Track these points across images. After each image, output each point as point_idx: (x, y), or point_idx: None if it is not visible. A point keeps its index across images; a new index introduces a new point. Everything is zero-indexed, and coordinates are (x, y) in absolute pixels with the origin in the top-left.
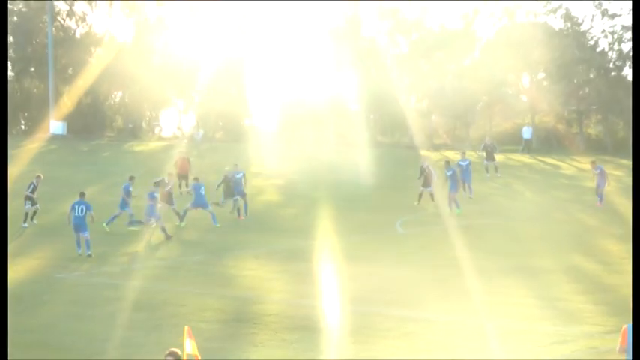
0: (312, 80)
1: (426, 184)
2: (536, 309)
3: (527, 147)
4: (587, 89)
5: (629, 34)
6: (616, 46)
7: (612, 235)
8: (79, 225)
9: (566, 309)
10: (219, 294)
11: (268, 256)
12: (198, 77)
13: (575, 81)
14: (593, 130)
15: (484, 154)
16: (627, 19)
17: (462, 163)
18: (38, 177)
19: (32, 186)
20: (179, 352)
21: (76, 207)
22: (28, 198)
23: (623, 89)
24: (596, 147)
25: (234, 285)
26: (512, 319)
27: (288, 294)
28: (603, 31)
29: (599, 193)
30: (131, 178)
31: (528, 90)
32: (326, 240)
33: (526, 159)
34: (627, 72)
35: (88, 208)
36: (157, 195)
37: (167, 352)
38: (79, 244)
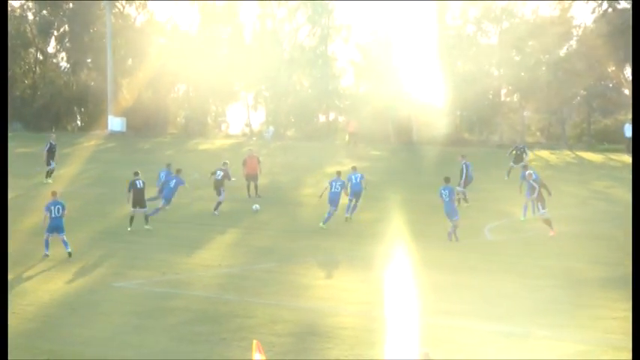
0: (395, 73)
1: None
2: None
3: (628, 145)
4: None
5: None
6: None
7: None
8: (58, 226)
9: None
10: (290, 305)
11: (345, 264)
12: (268, 70)
13: None
14: None
15: (513, 155)
16: None
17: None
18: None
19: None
20: None
21: (52, 207)
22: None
23: None
24: None
25: (307, 295)
26: (614, 334)
27: (365, 306)
28: None
29: None
30: (168, 165)
31: (631, 83)
32: (407, 247)
33: (628, 159)
34: None
35: (63, 207)
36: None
37: None
38: (47, 246)
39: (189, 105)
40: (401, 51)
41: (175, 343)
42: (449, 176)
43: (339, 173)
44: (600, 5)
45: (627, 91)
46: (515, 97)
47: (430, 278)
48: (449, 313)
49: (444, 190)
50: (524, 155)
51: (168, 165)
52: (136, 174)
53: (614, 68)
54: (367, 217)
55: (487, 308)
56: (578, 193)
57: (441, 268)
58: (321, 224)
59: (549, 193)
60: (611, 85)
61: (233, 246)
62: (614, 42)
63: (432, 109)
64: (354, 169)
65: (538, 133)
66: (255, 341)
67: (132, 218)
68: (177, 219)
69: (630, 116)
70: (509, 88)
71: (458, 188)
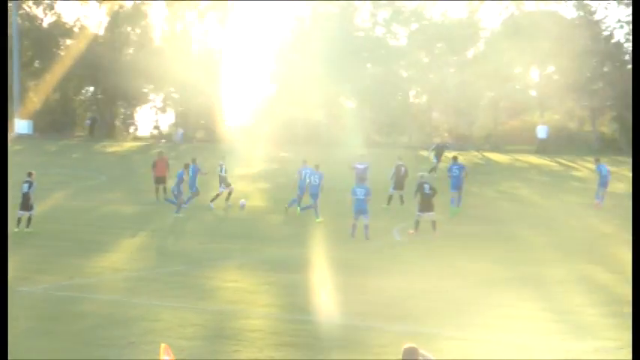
0: (301, 75)
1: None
2: (546, 322)
3: (543, 147)
4: (600, 84)
5: None
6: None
7: (628, 242)
8: None
9: (578, 322)
10: (199, 308)
11: (254, 267)
12: (177, 72)
13: (588, 75)
14: (607, 128)
15: (433, 153)
16: None
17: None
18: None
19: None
20: None
21: None
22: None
23: None
24: (610, 146)
25: (216, 298)
26: (520, 333)
27: (274, 308)
28: (619, 20)
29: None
30: (186, 166)
31: (537, 85)
32: (316, 249)
33: (534, 160)
34: None
35: None
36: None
37: None
38: None
39: (97, 107)
40: (311, 53)
41: (83, 348)
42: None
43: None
44: (507, 8)
45: (534, 93)
46: (424, 99)
47: (339, 280)
48: (358, 314)
49: (359, 188)
50: (444, 152)
51: (194, 160)
52: (29, 175)
53: (520, 70)
54: (276, 219)
55: (396, 309)
56: (485, 194)
57: (350, 269)
58: (317, 220)
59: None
60: (518, 87)
61: (142, 249)
62: (521, 44)
63: (342, 111)
64: (317, 167)
65: (446, 134)
66: (163, 345)
67: (19, 220)
68: (86, 222)
69: (544, 117)
70: (418, 89)
71: (390, 189)
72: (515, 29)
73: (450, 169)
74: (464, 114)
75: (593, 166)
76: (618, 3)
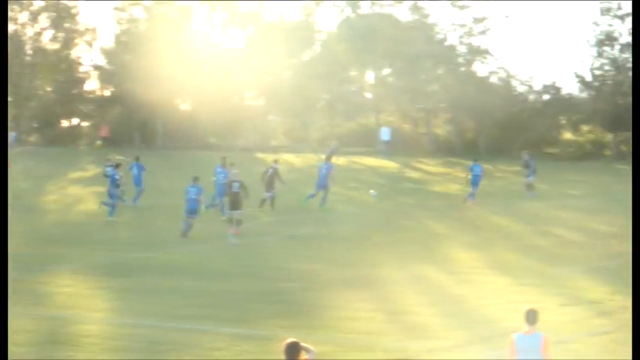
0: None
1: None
2: (380, 323)
3: (386, 149)
4: (435, 86)
5: (479, 27)
6: (466, 40)
7: (461, 243)
8: None
9: (412, 323)
10: (32, 314)
11: (89, 272)
12: (9, 74)
13: (422, 77)
14: (441, 129)
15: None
16: (477, 11)
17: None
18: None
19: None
20: None
21: None
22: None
23: (473, 86)
24: (444, 148)
25: (49, 304)
26: (356, 334)
27: (109, 313)
28: (453, 23)
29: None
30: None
31: (373, 87)
32: (153, 252)
33: (370, 162)
34: (477, 67)
35: None
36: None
37: None
38: None
39: None
40: (146, 55)
41: None
42: (198, 176)
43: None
44: (343, 10)
45: (370, 95)
46: (261, 101)
47: (173, 283)
48: (193, 317)
49: (192, 188)
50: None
51: (137, 158)
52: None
53: (356, 72)
54: (112, 223)
55: (231, 311)
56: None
57: (185, 272)
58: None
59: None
60: (353, 89)
61: None
62: (357, 46)
63: (178, 114)
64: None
65: (283, 137)
66: None
67: None
68: None
69: (379, 120)
70: (255, 92)
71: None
72: (351, 32)
73: (320, 169)
74: (300, 116)
75: (429, 168)
76: (452, 5)
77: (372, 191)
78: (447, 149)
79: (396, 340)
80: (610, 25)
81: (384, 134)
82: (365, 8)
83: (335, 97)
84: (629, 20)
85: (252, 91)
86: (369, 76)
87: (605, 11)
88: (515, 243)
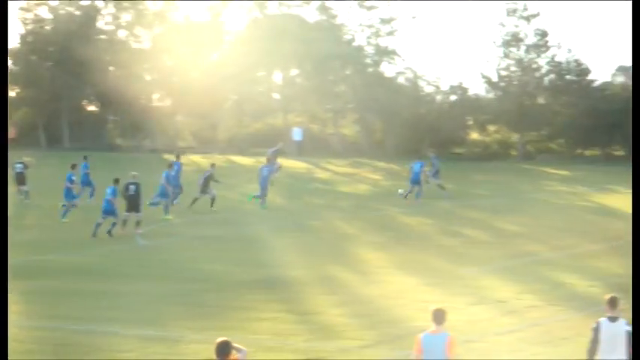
0: (41, 78)
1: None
2: (289, 324)
3: (299, 149)
4: (343, 87)
5: (387, 28)
6: (373, 41)
7: (370, 244)
8: None
9: (321, 323)
10: None
11: None
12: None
13: (330, 78)
14: (349, 130)
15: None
16: (385, 12)
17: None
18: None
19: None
20: None
21: None
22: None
23: (381, 86)
24: (352, 148)
25: None
26: (264, 335)
27: (16, 315)
28: (360, 24)
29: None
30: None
31: (281, 87)
32: (61, 254)
33: (279, 162)
34: (385, 68)
35: None
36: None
37: None
38: None
39: None
40: (51, 56)
41: None
42: (118, 177)
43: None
44: (251, 11)
45: (277, 96)
46: (168, 102)
47: (81, 285)
48: (101, 319)
49: (108, 188)
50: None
51: (85, 157)
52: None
53: (264, 73)
54: (19, 224)
55: (140, 314)
56: (228, 197)
57: (94, 274)
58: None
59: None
60: (261, 90)
61: None
62: (265, 47)
63: (84, 115)
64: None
65: (190, 138)
66: None
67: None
68: None
69: (287, 120)
70: (162, 93)
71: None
72: (258, 32)
73: (260, 169)
74: (208, 117)
75: (337, 169)
76: (360, 6)
77: (400, 190)
78: (355, 150)
79: (305, 341)
80: (516, 26)
81: (296, 134)
82: (272, 9)
83: (243, 97)
84: (534, 21)
85: (159, 92)
86: (277, 77)
87: (511, 12)
88: (423, 243)
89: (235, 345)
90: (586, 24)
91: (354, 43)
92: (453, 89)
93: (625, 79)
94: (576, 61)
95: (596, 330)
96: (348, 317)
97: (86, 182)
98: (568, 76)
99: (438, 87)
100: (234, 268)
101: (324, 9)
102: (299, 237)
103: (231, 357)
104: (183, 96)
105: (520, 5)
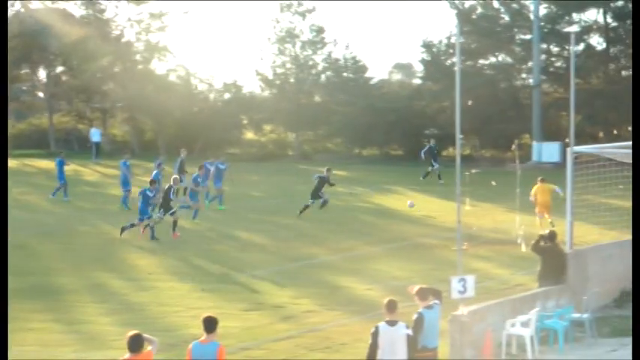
0: None
1: None
2: (56, 334)
3: (97, 151)
4: (111, 84)
5: (157, 23)
6: (143, 37)
7: (141, 249)
8: None
9: (90, 333)
10: None
11: None
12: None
13: (98, 75)
14: (118, 130)
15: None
16: (155, 7)
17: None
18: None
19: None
20: None
21: None
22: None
23: (151, 84)
24: (122, 149)
25: None
26: (31, 346)
27: None
28: (129, 19)
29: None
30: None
31: (45, 86)
32: None
33: (44, 164)
34: (156, 65)
35: None
36: None
37: None
38: None
39: None
40: None
41: None
42: None
43: None
44: (13, 5)
45: (42, 94)
46: None
47: None
48: None
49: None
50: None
51: (61, 153)
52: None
53: (28, 70)
54: None
55: None
56: None
57: None
58: None
59: None
60: (25, 88)
61: None
62: (27, 43)
63: None
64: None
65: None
66: None
67: None
68: None
69: (53, 120)
70: None
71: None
72: (21, 27)
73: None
74: None
75: (106, 171)
76: (128, 1)
77: (409, 202)
78: (125, 150)
79: (74, 352)
80: (291, 22)
81: (95, 135)
82: (36, 3)
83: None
84: (310, 17)
85: None
86: (41, 75)
87: (286, 8)
88: (196, 247)
89: (147, 336)
90: (362, 21)
91: (123, 39)
92: (227, 87)
93: (402, 77)
94: (353, 58)
95: (375, 334)
96: (119, 326)
97: (60, 178)
98: (345, 74)
99: (211, 85)
100: None
101: (90, 3)
102: (66, 243)
103: (144, 350)
104: None
105: (295, 1)
